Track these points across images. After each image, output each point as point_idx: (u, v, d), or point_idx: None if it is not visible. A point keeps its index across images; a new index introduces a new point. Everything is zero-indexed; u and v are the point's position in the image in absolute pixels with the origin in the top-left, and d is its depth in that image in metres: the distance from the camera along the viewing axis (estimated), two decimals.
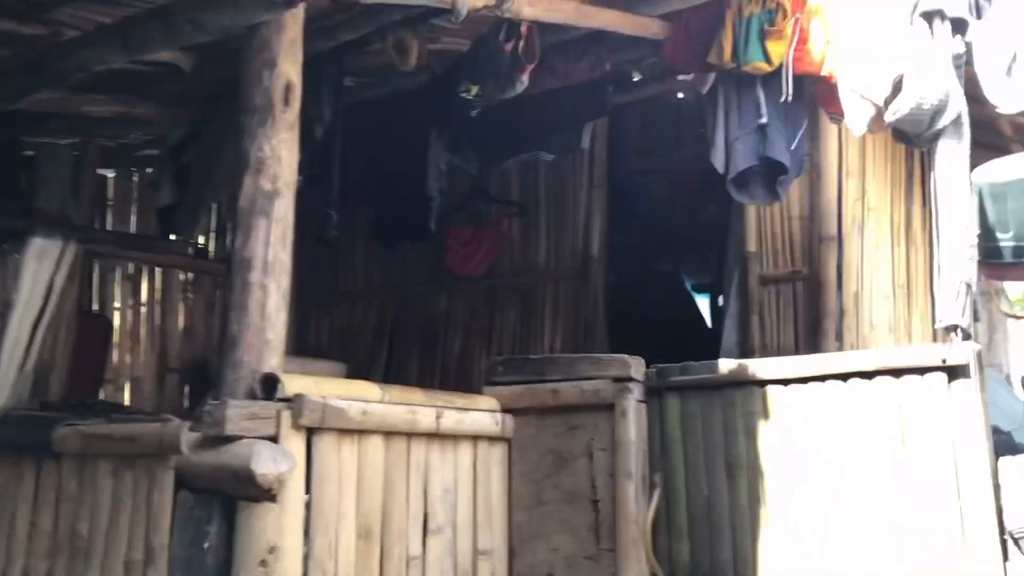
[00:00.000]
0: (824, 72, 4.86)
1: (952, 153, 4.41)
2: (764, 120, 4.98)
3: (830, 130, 5.88)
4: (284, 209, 3.26)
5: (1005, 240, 4.86)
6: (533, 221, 6.97)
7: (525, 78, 4.60)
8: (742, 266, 6.09)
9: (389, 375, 7.42)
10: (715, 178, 8.16)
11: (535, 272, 6.91)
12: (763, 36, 4.92)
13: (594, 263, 6.65)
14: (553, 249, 6.87)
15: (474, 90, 4.77)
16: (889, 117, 4.46)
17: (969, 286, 4.34)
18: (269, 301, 3.19)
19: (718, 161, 5.06)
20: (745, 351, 5.96)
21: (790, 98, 4.91)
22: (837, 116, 5.15)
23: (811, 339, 5.79)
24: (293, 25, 3.32)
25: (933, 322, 6.98)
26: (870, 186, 6.23)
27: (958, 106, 4.39)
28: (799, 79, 4.96)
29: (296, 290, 7.65)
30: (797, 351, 5.82)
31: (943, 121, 4.37)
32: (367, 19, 4.34)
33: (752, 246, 6.05)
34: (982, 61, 4.62)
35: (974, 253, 4.38)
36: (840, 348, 5.71)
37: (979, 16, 4.74)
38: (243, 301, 3.16)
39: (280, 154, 3.26)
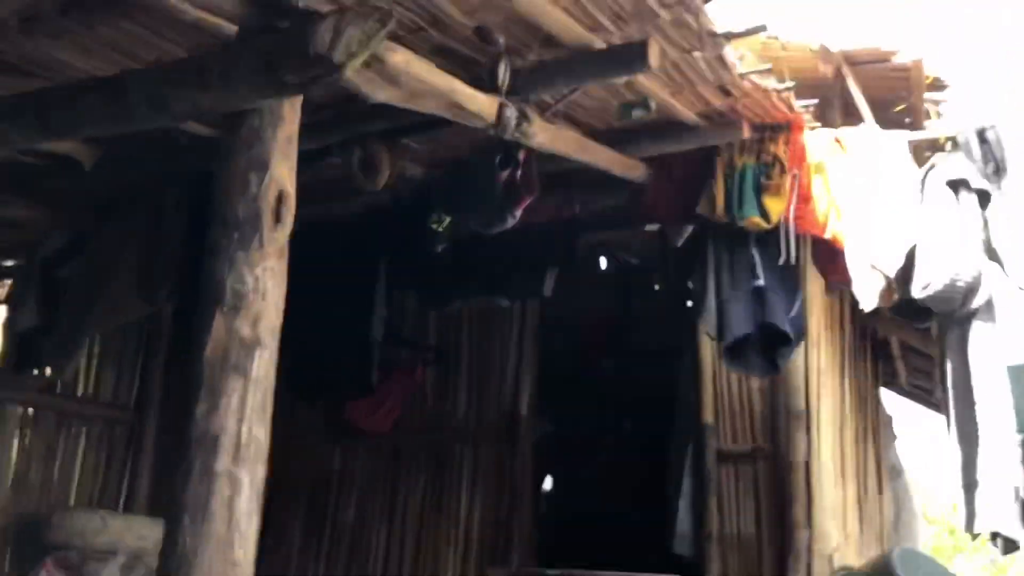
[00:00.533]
0: (828, 235, 4.36)
1: (986, 337, 3.94)
2: (761, 282, 4.40)
3: None
4: (266, 366, 2.28)
5: None
6: (452, 370, 6.09)
7: (519, 212, 3.83)
8: (697, 439, 5.40)
9: (265, 541, 6.16)
10: (619, 335, 7.67)
11: (451, 429, 5.97)
12: (759, 190, 4.39)
13: (523, 422, 5.80)
14: (475, 404, 5.98)
15: (446, 222, 3.96)
16: (919, 293, 3.95)
17: (1018, 491, 3.79)
18: (240, 500, 2.17)
19: (710, 324, 4.41)
20: (701, 538, 5.21)
21: (792, 261, 4.37)
22: (840, 284, 4.65)
23: (776, 527, 5.10)
24: (291, 118, 2.43)
25: (860, 506, 6.57)
26: (824, 359, 5.76)
27: (991, 285, 3.95)
28: (799, 240, 4.45)
29: (157, 433, 6.47)
30: (760, 540, 5.14)
31: (976, 301, 3.90)
32: (339, 126, 3.48)
33: (709, 417, 5.38)
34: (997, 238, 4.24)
35: (1020, 452, 3.86)
36: (810, 538, 5.05)
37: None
38: (202, 498, 2.12)
39: (266, 287, 2.30)
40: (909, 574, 5.22)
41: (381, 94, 2.65)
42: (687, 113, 4.20)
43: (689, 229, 4.77)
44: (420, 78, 2.65)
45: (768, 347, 4.38)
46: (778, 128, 4.45)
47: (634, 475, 6.13)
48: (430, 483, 5.89)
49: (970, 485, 3.91)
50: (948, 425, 4.09)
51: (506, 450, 5.76)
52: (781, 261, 4.37)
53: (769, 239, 4.43)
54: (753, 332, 4.34)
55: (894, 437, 8.00)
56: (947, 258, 3.90)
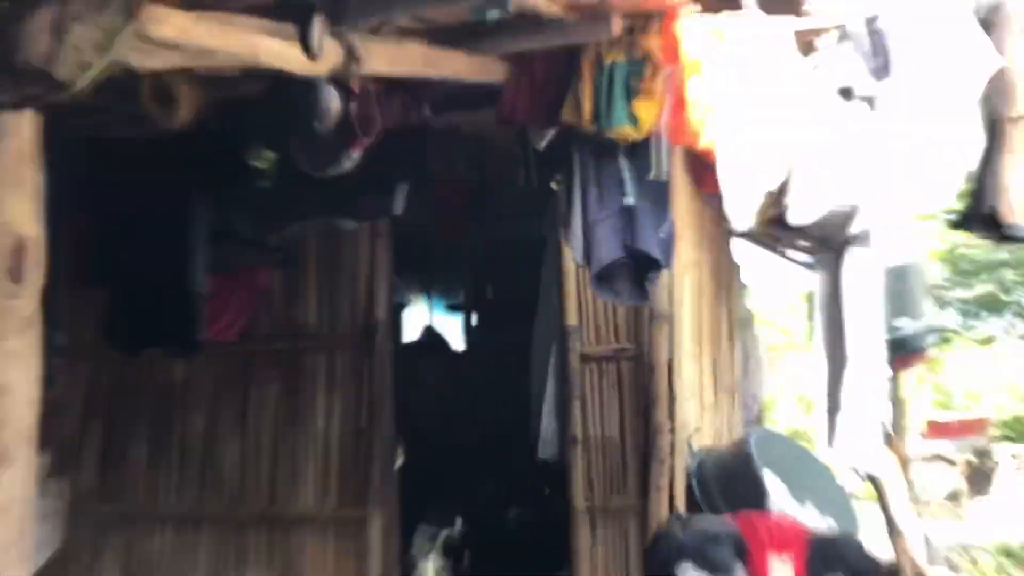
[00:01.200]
0: (703, 146, 3.84)
1: (862, 265, 3.58)
2: (630, 200, 3.87)
3: None
4: (19, 487, 1.63)
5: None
6: (300, 272, 5.42)
7: (356, 154, 3.12)
8: (560, 342, 5.01)
9: (107, 464, 5.57)
10: (481, 199, 7.10)
11: (304, 337, 5.38)
12: (630, 93, 3.79)
13: (380, 328, 5.26)
14: (326, 309, 5.37)
15: (269, 158, 3.22)
16: (797, 219, 3.54)
17: (883, 425, 3.57)
18: None
19: (577, 250, 3.89)
20: (565, 442, 4.92)
21: (663, 176, 3.85)
22: (713, 198, 4.19)
23: (640, 428, 4.84)
24: (25, 124, 1.66)
25: (714, 369, 6.45)
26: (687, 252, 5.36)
27: (873, 209, 3.56)
28: (670, 152, 3.92)
29: None
30: (623, 442, 4.89)
31: (856, 227, 3.52)
32: None
33: (572, 319, 4.97)
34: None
35: (887, 386, 3.61)
36: (673, 441, 4.83)
37: None
38: None
39: (8, 379, 1.62)
40: (765, 458, 5.12)
41: (153, 61, 1.89)
42: (551, 8, 3.50)
43: (552, 132, 4.15)
44: (208, 43, 1.90)
45: (637, 271, 3.91)
46: (651, 17, 3.80)
47: (498, 376, 5.76)
48: (283, 393, 5.35)
49: (834, 409, 3.67)
50: (815, 341, 3.81)
51: (363, 358, 5.24)
52: (651, 176, 3.84)
53: (638, 150, 3.88)
54: (622, 257, 3.85)
55: (743, 286, 7.89)
56: (830, 179, 3.46)
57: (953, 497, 14.06)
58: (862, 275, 3.52)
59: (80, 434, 5.59)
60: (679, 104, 3.80)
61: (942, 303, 11.42)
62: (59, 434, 5.47)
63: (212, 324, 5.32)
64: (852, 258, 3.51)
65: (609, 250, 3.82)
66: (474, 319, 7.85)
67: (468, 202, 6.94)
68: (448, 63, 3.37)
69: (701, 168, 4.00)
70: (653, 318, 4.84)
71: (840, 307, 3.56)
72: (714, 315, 6.46)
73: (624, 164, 3.88)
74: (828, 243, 3.54)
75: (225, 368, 5.44)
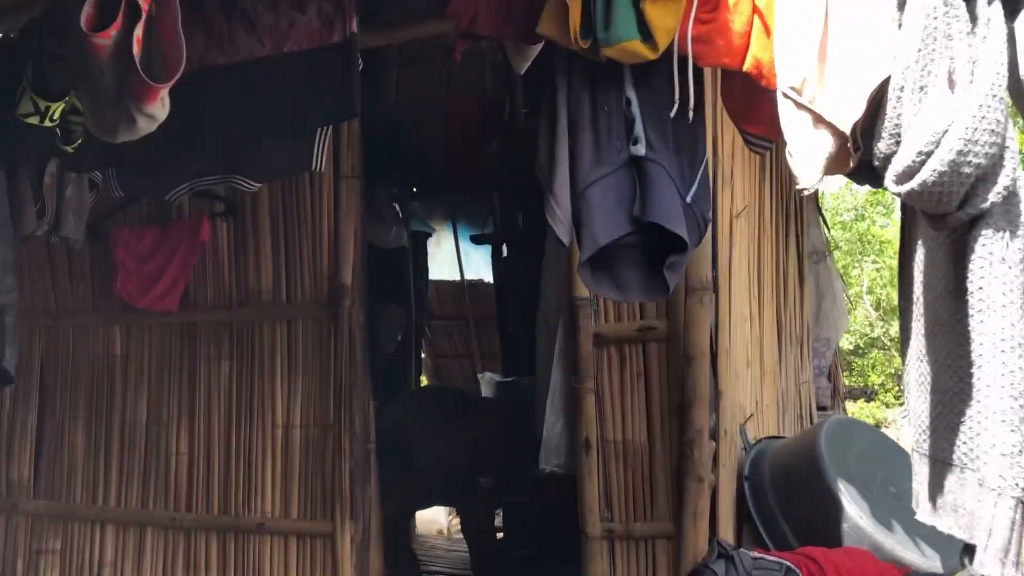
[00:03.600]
0: (747, 66, 2.50)
1: (999, 253, 2.22)
2: (641, 149, 2.57)
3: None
4: None
5: None
6: (250, 227, 4.28)
7: (152, 108, 1.89)
8: (569, 319, 3.78)
9: (43, 448, 4.65)
10: (502, 113, 5.78)
11: (256, 305, 4.28)
12: None
13: (347, 295, 4.09)
14: (282, 272, 4.23)
15: (54, 109, 2.03)
16: (896, 185, 2.16)
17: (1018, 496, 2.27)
18: None
19: (562, 223, 2.60)
20: (575, 449, 3.75)
21: (691, 112, 2.53)
22: (762, 142, 2.83)
23: (674, 432, 3.63)
24: None
25: (778, 322, 5.17)
26: (739, 195, 4.01)
27: (1014, 165, 2.18)
28: (701, 74, 2.58)
29: None
30: (651, 452, 3.69)
31: (991, 194, 2.14)
32: None
33: (584, 290, 3.73)
34: None
35: None
36: (716, 449, 3.62)
37: None
38: None
39: None
40: (840, 464, 3.91)
41: None
42: None
43: (537, 49, 2.84)
44: None
45: (651, 253, 2.62)
46: None
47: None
48: (237, 373, 4.28)
49: (938, 460, 2.38)
50: (905, 358, 2.49)
51: (327, 331, 4.11)
52: (673, 112, 2.52)
53: (653, 76, 2.56)
54: (629, 234, 2.57)
55: (818, 215, 6.59)
56: (948, 123, 2.09)
57: None
58: (1001, 268, 2.18)
59: (11, 415, 4.68)
60: (713, 5, 2.46)
61: None
62: None
63: (144, 293, 4.31)
64: (985, 242, 2.16)
65: (609, 225, 2.52)
66: (504, 252, 6.64)
67: (484, 119, 5.66)
68: None
69: (744, 98, 2.65)
70: (690, 290, 3.59)
71: (964, 315, 2.24)
72: (779, 258, 5.19)
73: (632, 97, 2.56)
74: (943, 220, 2.19)
75: (167, 339, 4.39)
